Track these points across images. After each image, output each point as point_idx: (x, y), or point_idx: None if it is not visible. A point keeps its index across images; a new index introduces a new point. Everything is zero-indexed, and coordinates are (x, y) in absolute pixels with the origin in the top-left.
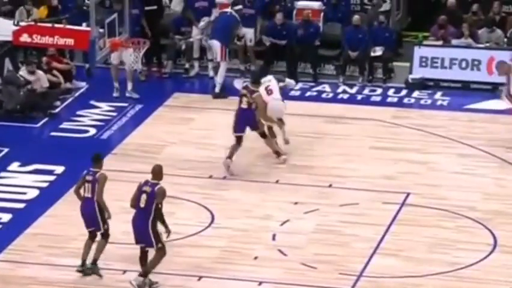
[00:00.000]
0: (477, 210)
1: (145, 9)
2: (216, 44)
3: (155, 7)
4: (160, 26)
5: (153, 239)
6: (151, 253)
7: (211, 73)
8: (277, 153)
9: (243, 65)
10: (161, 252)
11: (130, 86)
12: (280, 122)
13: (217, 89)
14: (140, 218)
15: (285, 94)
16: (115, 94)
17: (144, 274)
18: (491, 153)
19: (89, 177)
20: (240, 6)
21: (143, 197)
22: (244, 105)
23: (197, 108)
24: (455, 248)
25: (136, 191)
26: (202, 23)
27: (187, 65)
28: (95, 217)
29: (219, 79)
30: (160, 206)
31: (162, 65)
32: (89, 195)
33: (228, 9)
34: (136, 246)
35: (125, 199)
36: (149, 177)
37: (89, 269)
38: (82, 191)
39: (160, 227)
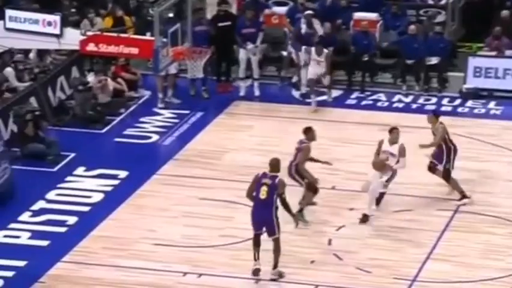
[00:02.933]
0: None
1: (219, 25)
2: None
3: (229, 23)
4: (232, 40)
5: (276, 227)
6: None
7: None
8: (462, 195)
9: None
10: (278, 240)
11: (170, 92)
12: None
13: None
14: (262, 209)
15: (341, 101)
16: (160, 105)
17: (275, 266)
18: None
19: (297, 145)
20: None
21: (264, 188)
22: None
23: (256, 116)
24: (508, 254)
25: (252, 183)
26: (249, 46)
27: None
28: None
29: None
30: (283, 195)
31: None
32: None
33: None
34: (193, 249)
35: (185, 203)
36: (209, 182)
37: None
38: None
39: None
